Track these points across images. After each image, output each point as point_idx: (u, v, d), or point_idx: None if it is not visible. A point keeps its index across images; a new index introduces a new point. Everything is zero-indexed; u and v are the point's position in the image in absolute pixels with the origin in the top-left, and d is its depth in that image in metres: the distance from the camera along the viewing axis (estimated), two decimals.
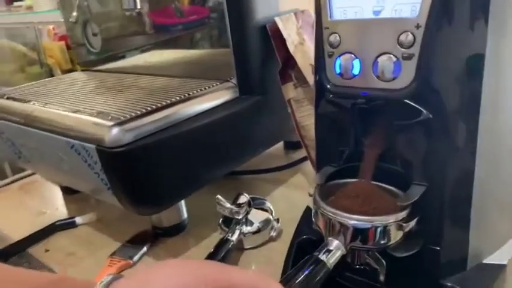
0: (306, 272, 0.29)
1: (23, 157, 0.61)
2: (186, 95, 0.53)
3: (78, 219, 0.63)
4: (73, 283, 0.29)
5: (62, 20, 0.79)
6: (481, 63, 0.28)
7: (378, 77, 0.29)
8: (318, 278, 0.29)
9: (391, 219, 0.29)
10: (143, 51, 0.69)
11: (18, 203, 0.74)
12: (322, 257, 0.30)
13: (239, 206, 0.51)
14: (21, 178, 0.83)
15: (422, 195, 0.30)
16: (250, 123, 0.57)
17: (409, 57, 0.27)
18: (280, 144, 0.79)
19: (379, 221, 0.29)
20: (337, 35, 0.30)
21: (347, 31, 0.30)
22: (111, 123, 0.45)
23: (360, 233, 0.30)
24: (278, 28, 0.56)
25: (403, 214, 0.30)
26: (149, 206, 0.49)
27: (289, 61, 0.57)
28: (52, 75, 1.58)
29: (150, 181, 0.46)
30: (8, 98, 0.63)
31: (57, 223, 0.62)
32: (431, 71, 0.27)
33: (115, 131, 0.44)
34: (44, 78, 1.58)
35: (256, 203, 0.54)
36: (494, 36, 0.28)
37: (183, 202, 0.57)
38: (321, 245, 0.31)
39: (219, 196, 0.51)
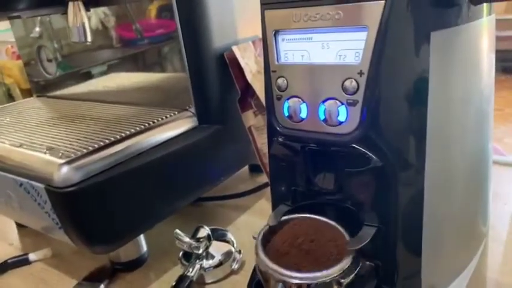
0: None
1: None
2: (142, 126, 0.51)
3: (32, 256, 0.60)
4: None
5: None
6: (425, 94, 0.28)
7: (325, 121, 0.29)
8: None
9: (330, 274, 0.28)
10: (100, 73, 0.67)
11: None
12: None
13: (198, 240, 0.50)
14: None
15: (373, 236, 0.30)
16: (210, 153, 0.56)
17: (353, 104, 0.28)
18: (246, 167, 0.78)
19: (320, 277, 0.28)
20: (284, 78, 0.30)
21: (294, 75, 0.30)
22: (61, 161, 0.43)
23: None
24: (235, 57, 0.56)
25: (340, 267, 0.29)
26: (104, 244, 0.47)
27: (248, 89, 0.57)
28: (10, 95, 1.52)
29: (104, 220, 0.45)
30: None
31: (9, 261, 0.59)
32: (376, 117, 0.27)
33: (65, 169, 0.42)
34: (2, 98, 1.53)
35: (216, 235, 0.53)
36: (436, 71, 0.28)
37: (142, 235, 0.55)
38: None
39: (177, 230, 0.50)
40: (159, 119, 0.54)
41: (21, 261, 0.59)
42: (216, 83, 0.56)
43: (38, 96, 0.78)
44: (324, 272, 0.28)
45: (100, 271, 0.55)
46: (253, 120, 0.59)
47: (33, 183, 0.44)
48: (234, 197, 0.69)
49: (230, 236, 0.55)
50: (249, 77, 0.56)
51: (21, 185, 0.46)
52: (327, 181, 0.32)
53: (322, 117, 0.29)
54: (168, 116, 0.55)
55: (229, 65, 0.56)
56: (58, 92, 0.74)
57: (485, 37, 0.33)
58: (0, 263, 0.59)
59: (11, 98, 1.51)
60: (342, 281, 0.28)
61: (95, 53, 0.66)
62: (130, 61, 0.63)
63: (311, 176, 0.33)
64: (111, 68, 0.65)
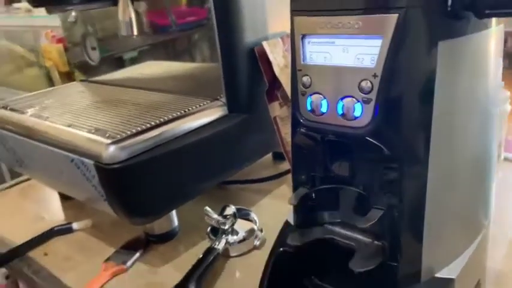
0: None
1: (24, 165, 0.65)
2: (178, 113, 0.57)
3: (75, 225, 0.67)
4: None
5: (60, 24, 0.82)
6: (430, 97, 0.32)
7: (342, 115, 0.33)
8: None
9: None
10: (138, 60, 0.73)
11: (17, 208, 0.78)
12: None
13: (225, 217, 0.55)
14: (21, 182, 0.87)
15: (381, 218, 0.35)
16: (237, 140, 0.61)
17: (367, 101, 0.32)
18: (269, 155, 0.83)
19: None
20: (308, 77, 0.35)
21: (317, 74, 0.34)
22: (109, 141, 0.49)
23: None
24: (265, 51, 0.60)
25: None
26: (142, 216, 0.53)
27: (275, 82, 0.62)
28: (49, 77, 1.61)
29: (144, 194, 0.51)
30: (10, 109, 0.67)
31: (55, 228, 0.66)
32: (386, 114, 0.32)
33: (112, 149, 0.48)
34: (42, 80, 1.62)
35: (241, 214, 0.58)
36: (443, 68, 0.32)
37: (174, 211, 0.61)
38: None
39: (207, 208, 0.56)
40: (193, 107, 0.59)
41: (65, 230, 0.67)
42: (245, 75, 0.61)
43: (80, 81, 0.84)
44: None
45: (135, 241, 0.61)
46: (278, 111, 0.63)
47: (84, 159, 0.50)
48: (258, 182, 0.74)
49: (253, 215, 0.60)
50: (276, 71, 0.60)
51: (72, 160, 0.52)
52: (342, 168, 0.36)
53: (340, 112, 0.33)
54: (201, 104, 0.60)
55: (258, 59, 0.60)
56: (99, 78, 0.81)
57: (492, 44, 0.36)
58: (48, 230, 0.66)
59: (50, 79, 1.59)
60: None
61: (131, 40, 0.71)
62: (165, 50, 0.68)
63: (328, 163, 0.37)
64: (148, 56, 0.71)
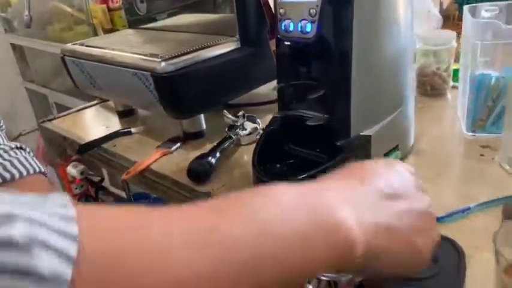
0: None
1: (96, 86, 0.92)
2: (205, 44, 0.81)
3: (133, 130, 0.94)
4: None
5: None
6: (351, 18, 0.55)
7: (301, 31, 0.57)
8: None
9: None
10: (174, 13, 0.97)
11: (103, 121, 1.05)
12: None
13: (237, 117, 0.81)
14: (82, 109, 1.14)
15: (323, 95, 0.59)
16: (247, 66, 0.85)
17: (314, 22, 0.55)
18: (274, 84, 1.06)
19: None
20: (283, 9, 0.58)
21: (287, 7, 0.58)
22: (160, 59, 0.74)
23: None
24: (267, 0, 0.83)
25: None
26: (182, 112, 0.79)
27: (275, 23, 0.85)
28: (96, 33, 1.87)
29: (184, 96, 0.76)
30: (86, 46, 0.93)
31: (119, 131, 0.94)
32: (324, 29, 0.55)
33: (163, 64, 0.73)
34: (90, 35, 1.89)
35: (249, 118, 0.84)
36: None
37: (202, 117, 0.87)
38: None
39: (225, 110, 0.81)
40: (216, 41, 0.83)
41: (126, 132, 0.94)
42: (253, 19, 0.84)
43: (131, 28, 1.10)
44: None
45: (176, 138, 0.87)
46: None
47: (143, 72, 0.76)
48: (263, 104, 0.97)
49: (258, 120, 0.85)
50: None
51: (135, 74, 0.78)
52: (302, 67, 0.61)
53: (299, 29, 0.57)
54: (221, 39, 0.84)
55: (263, 6, 0.84)
56: (145, 25, 1.05)
57: None
58: (114, 131, 0.93)
59: (96, 35, 1.86)
60: None
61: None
62: (196, 6, 0.92)
63: (296, 64, 0.61)
64: (183, 9, 0.95)
